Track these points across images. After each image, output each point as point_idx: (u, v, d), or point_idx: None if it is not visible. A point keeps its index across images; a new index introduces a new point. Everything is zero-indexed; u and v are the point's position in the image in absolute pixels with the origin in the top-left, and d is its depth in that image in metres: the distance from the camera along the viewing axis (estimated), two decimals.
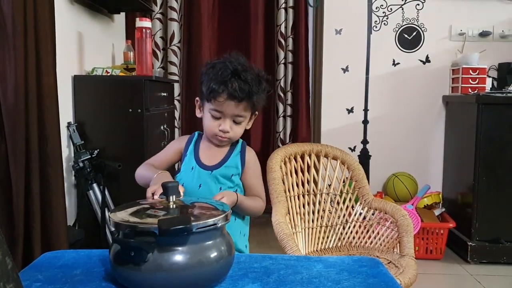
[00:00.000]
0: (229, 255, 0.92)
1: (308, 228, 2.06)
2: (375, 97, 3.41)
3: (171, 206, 0.96)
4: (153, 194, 1.14)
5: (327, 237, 2.09)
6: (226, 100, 1.29)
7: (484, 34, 3.30)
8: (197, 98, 1.40)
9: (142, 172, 1.40)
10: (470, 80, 3.14)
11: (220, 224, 0.89)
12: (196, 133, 1.48)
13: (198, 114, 1.41)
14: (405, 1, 3.34)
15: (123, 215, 0.91)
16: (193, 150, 1.43)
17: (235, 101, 1.29)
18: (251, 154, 1.44)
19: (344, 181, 2.17)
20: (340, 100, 3.41)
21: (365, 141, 3.45)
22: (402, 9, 3.35)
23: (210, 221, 0.88)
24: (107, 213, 2.30)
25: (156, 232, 0.82)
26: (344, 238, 2.10)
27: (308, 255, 1.97)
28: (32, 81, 1.76)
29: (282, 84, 3.37)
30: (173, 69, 3.30)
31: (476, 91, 3.05)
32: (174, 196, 0.97)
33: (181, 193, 1.15)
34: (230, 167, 1.40)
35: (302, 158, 2.12)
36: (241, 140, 1.46)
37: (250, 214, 1.45)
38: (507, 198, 2.81)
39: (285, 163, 2.05)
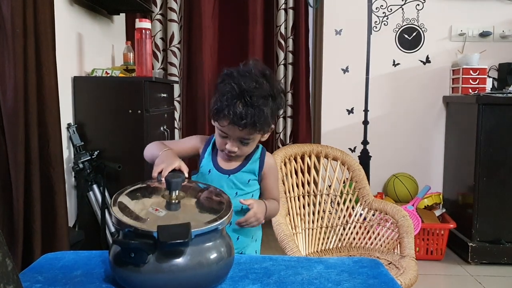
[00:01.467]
0: (229, 256, 0.92)
1: (309, 229, 2.06)
2: (375, 97, 3.41)
3: (174, 201, 0.96)
4: (159, 174, 1.13)
5: (328, 238, 2.09)
6: (229, 125, 1.25)
7: (484, 35, 3.30)
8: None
9: (152, 149, 1.36)
10: (470, 80, 3.14)
11: (220, 227, 0.89)
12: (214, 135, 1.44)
13: (213, 122, 1.36)
14: (405, 1, 3.34)
15: (124, 213, 0.91)
16: (211, 153, 1.40)
17: (237, 127, 1.24)
18: (271, 160, 1.42)
19: (344, 182, 2.17)
20: (340, 100, 3.41)
21: (365, 142, 3.44)
22: (402, 10, 3.35)
23: (212, 226, 0.88)
24: (107, 214, 2.29)
25: (156, 236, 0.82)
26: (344, 239, 2.10)
27: (308, 256, 1.97)
28: (32, 82, 1.76)
29: (282, 85, 3.37)
30: (173, 70, 3.30)
31: (476, 92, 3.05)
32: (177, 191, 0.98)
33: (186, 174, 1.15)
34: (247, 172, 1.38)
35: (302, 159, 2.12)
36: (261, 147, 1.43)
37: (270, 218, 1.46)
38: (508, 199, 2.80)
39: (285, 164, 2.05)
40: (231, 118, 1.23)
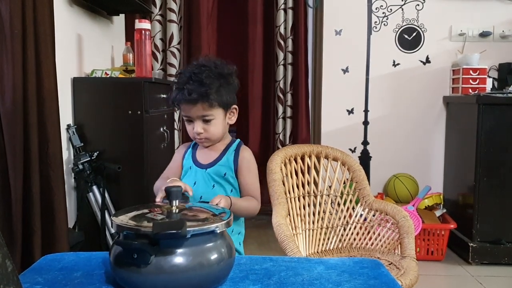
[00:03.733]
0: (230, 257, 0.92)
1: (309, 230, 2.06)
2: (375, 98, 3.41)
3: (174, 211, 0.96)
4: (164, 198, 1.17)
5: (328, 239, 2.09)
6: (184, 104, 1.37)
7: (484, 35, 3.30)
8: None
9: (156, 187, 1.43)
10: (470, 80, 3.14)
11: (218, 231, 0.89)
12: None
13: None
14: (405, 1, 3.34)
15: (124, 218, 0.91)
16: (191, 151, 1.50)
17: (190, 104, 1.35)
18: (245, 153, 1.47)
19: (344, 183, 2.17)
20: (340, 101, 3.41)
21: (365, 142, 3.44)
22: (402, 10, 3.35)
23: (210, 227, 0.88)
24: (107, 216, 2.29)
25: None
26: (345, 240, 2.10)
27: (309, 256, 1.96)
28: (32, 83, 1.75)
29: (281, 85, 3.37)
30: (173, 70, 3.29)
31: (476, 92, 3.05)
32: (177, 201, 0.97)
33: (190, 193, 1.22)
34: (223, 165, 1.44)
35: (303, 159, 2.12)
36: (238, 141, 1.50)
37: (244, 215, 1.47)
38: (508, 199, 2.80)
39: (285, 165, 2.04)
40: (183, 97, 1.34)
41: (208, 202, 1.25)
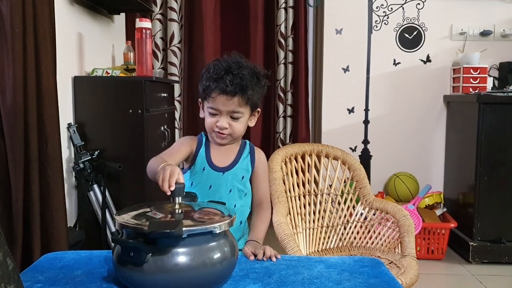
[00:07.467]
0: (233, 256, 0.91)
1: (309, 229, 2.06)
2: (375, 97, 3.41)
3: (177, 211, 0.95)
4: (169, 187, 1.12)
5: (328, 238, 2.09)
6: (219, 95, 1.30)
7: (485, 34, 3.29)
8: (200, 99, 1.42)
9: (153, 165, 1.32)
10: (471, 79, 3.13)
11: (217, 231, 0.88)
12: (203, 134, 1.46)
13: (201, 114, 1.42)
14: (406, 0, 3.34)
15: (126, 216, 0.91)
16: (204, 151, 1.42)
17: (227, 96, 1.30)
18: (261, 155, 1.46)
19: (345, 181, 2.17)
20: (340, 100, 3.41)
21: (366, 141, 3.44)
22: (403, 9, 3.35)
23: (208, 227, 0.87)
24: (107, 214, 2.29)
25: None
26: (345, 239, 2.10)
27: (309, 255, 1.97)
28: (32, 82, 1.75)
29: (282, 84, 3.37)
30: (173, 69, 3.29)
31: (477, 91, 3.05)
32: (180, 198, 0.96)
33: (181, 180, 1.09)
34: (241, 168, 1.41)
35: (303, 158, 2.12)
36: (248, 142, 1.47)
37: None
38: (509, 198, 2.80)
39: (285, 164, 2.04)
40: (220, 87, 1.29)
41: (220, 203, 1.14)
